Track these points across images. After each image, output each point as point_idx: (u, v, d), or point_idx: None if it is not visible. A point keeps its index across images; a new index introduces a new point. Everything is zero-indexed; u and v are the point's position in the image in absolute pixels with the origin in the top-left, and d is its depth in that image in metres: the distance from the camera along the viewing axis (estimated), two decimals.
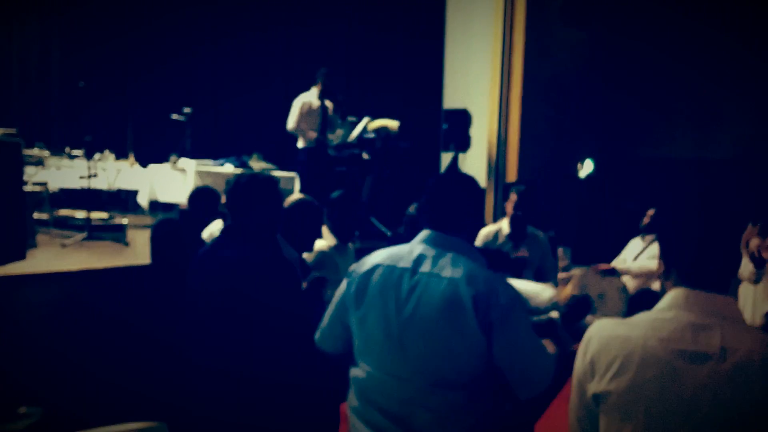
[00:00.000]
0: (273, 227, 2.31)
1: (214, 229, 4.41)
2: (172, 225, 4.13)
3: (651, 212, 5.46)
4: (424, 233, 1.92)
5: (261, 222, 2.27)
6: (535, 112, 7.64)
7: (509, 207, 3.90)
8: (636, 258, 5.36)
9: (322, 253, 3.07)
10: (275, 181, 2.33)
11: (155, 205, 7.18)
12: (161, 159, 7.34)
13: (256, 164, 7.17)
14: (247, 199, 2.27)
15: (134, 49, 9.97)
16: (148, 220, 6.76)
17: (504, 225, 3.93)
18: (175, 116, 7.31)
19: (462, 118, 7.09)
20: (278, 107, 9.06)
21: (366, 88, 7.51)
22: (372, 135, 6.50)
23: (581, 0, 7.57)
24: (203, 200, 4.35)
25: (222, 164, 7.18)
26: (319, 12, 8.78)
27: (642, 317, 1.49)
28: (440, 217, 1.89)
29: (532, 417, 2.35)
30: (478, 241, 3.87)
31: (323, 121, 6.39)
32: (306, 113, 6.36)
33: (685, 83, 9.00)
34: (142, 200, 7.16)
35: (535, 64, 7.51)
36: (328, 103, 6.48)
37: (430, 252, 1.85)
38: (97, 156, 6.30)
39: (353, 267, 2.00)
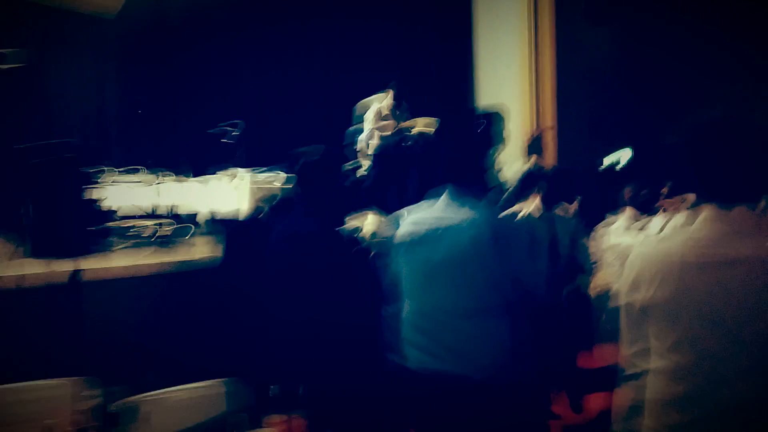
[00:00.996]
0: (335, 198, 2.63)
1: None
2: (247, 228, 4.51)
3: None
4: (447, 190, 2.24)
5: (323, 194, 2.59)
6: (569, 107, 7.85)
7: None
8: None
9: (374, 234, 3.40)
10: (334, 157, 2.66)
11: (212, 219, 7.62)
12: (215, 173, 7.78)
13: None
14: (308, 174, 2.60)
15: (183, 75, 10.53)
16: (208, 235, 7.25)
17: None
18: (225, 127, 7.76)
19: (495, 118, 7.33)
20: (319, 113, 9.53)
21: (401, 91, 7.80)
22: (410, 140, 6.82)
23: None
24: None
25: (274, 171, 7.57)
26: (349, 22, 9.19)
27: (677, 232, 1.69)
28: (459, 174, 2.25)
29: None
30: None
31: (395, 128, 6.77)
32: (380, 120, 6.71)
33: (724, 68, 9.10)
34: (202, 217, 7.60)
35: (564, 60, 7.73)
36: (399, 111, 6.82)
37: (453, 204, 2.19)
38: (157, 174, 6.74)
39: (399, 228, 2.34)
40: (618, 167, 9.23)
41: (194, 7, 10.13)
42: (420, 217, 2.26)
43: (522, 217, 2.42)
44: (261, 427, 1.78)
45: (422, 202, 2.31)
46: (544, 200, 4.05)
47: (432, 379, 2.13)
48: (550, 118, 7.57)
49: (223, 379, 2.44)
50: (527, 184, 3.81)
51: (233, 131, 7.62)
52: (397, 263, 2.29)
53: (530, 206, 3.86)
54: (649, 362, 1.70)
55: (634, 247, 1.77)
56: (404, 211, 2.39)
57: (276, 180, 7.36)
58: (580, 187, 4.28)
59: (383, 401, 2.38)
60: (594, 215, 4.41)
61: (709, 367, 1.56)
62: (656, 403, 1.66)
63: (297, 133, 9.27)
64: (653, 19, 9.28)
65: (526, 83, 7.61)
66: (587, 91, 8.31)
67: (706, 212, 1.64)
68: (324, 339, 2.44)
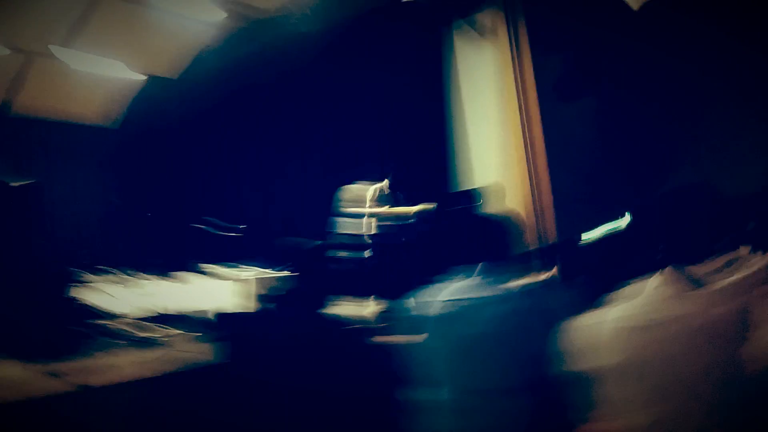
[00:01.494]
0: (322, 286, 2.67)
1: None
2: (253, 320, 4.53)
3: None
4: (479, 267, 2.32)
5: (310, 282, 2.64)
6: (564, 177, 7.98)
7: None
8: None
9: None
10: (316, 247, 2.72)
11: (220, 317, 7.64)
12: (215, 272, 7.85)
13: None
14: (296, 263, 2.66)
15: (185, 178, 10.78)
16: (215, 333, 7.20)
17: None
18: (231, 233, 7.88)
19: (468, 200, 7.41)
20: (324, 206, 9.68)
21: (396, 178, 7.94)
22: (412, 219, 6.92)
23: (585, 70, 8.04)
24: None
25: (279, 270, 7.64)
26: (341, 107, 9.49)
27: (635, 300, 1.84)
28: (487, 248, 2.31)
29: None
30: None
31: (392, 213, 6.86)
32: (376, 201, 6.82)
33: (708, 120, 9.35)
34: (210, 314, 7.61)
35: (553, 134, 7.92)
36: (399, 193, 6.96)
37: (486, 280, 2.29)
38: (162, 277, 6.80)
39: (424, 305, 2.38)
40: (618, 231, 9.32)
41: (193, 113, 10.48)
42: (454, 293, 2.27)
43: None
44: None
45: (449, 280, 2.33)
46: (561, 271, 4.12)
47: None
48: (546, 193, 7.69)
49: None
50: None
51: (240, 230, 7.74)
52: (431, 343, 2.28)
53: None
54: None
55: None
56: (426, 292, 2.40)
57: (276, 273, 7.41)
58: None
59: None
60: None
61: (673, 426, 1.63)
62: None
63: (297, 227, 9.46)
64: (632, 86, 9.60)
65: (522, 161, 7.78)
66: (577, 162, 8.48)
67: (662, 276, 1.76)
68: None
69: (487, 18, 7.97)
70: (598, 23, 8.01)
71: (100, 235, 9.87)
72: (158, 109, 10.91)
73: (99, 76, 8.75)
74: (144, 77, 9.13)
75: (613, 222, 9.01)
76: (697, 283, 1.72)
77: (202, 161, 10.94)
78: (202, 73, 9.45)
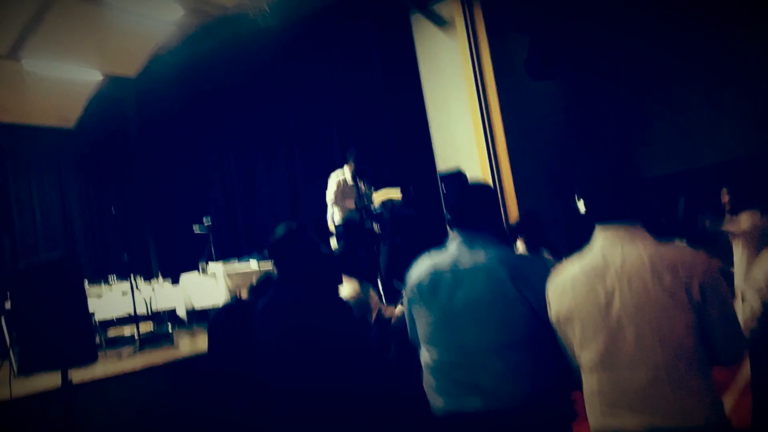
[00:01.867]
0: (311, 267, 2.73)
1: None
2: (230, 311, 4.58)
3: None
4: (456, 236, 2.36)
5: (298, 265, 2.70)
6: (523, 161, 8.16)
7: None
8: None
9: (358, 299, 3.53)
10: (302, 228, 2.78)
11: (191, 313, 7.66)
12: (189, 269, 7.86)
13: None
14: (281, 248, 2.73)
15: (144, 175, 10.69)
16: (189, 329, 7.29)
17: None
18: (196, 227, 7.86)
19: (458, 179, 7.60)
20: (287, 199, 9.71)
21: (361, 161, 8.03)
22: (378, 208, 7.02)
23: (543, 52, 8.22)
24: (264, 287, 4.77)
25: (247, 260, 7.69)
26: (305, 103, 9.53)
27: (577, 255, 2.07)
28: (467, 218, 2.36)
29: None
30: None
31: (358, 195, 6.87)
32: (342, 189, 6.87)
33: (660, 105, 9.73)
34: (181, 312, 7.63)
35: (512, 117, 8.10)
36: (360, 180, 6.96)
37: (464, 249, 2.31)
38: (132, 279, 6.78)
39: (409, 279, 2.46)
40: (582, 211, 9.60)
41: (153, 112, 10.40)
42: (433, 264, 2.36)
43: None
44: None
45: (429, 251, 2.41)
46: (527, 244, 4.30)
47: (463, 421, 2.20)
48: (507, 177, 7.86)
49: None
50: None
51: (204, 225, 7.72)
52: (417, 312, 2.38)
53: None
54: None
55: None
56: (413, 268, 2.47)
57: (250, 266, 7.46)
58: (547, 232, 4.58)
59: None
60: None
61: (607, 362, 1.91)
62: (589, 400, 1.99)
63: (267, 219, 9.49)
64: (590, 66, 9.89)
65: (482, 144, 7.93)
66: (536, 144, 8.71)
67: (595, 233, 2.03)
68: (339, 405, 2.49)
69: (443, 7, 8.11)
70: (554, 7, 8.23)
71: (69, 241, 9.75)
72: (117, 109, 10.81)
73: (54, 77, 8.62)
74: (101, 77, 9.03)
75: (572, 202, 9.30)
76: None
77: (164, 160, 10.89)
78: (162, 72, 9.39)
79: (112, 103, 10.34)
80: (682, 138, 9.21)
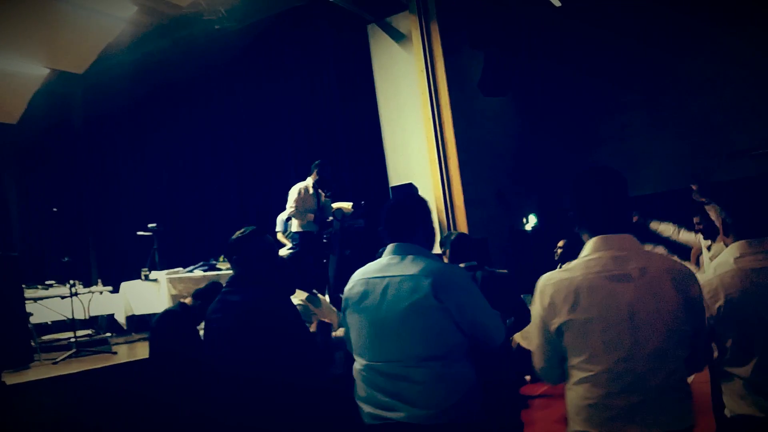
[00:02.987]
0: (268, 271, 2.71)
1: None
2: (174, 315, 4.47)
3: (561, 243, 6.05)
4: (389, 247, 2.38)
5: (255, 269, 2.67)
6: (474, 177, 8.26)
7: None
8: None
9: (301, 306, 3.49)
10: (260, 232, 2.76)
11: (131, 320, 7.45)
12: (130, 276, 7.64)
13: (225, 265, 7.54)
14: (239, 251, 2.70)
15: (88, 176, 10.39)
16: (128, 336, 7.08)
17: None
18: (140, 233, 7.66)
19: (408, 191, 7.65)
20: (236, 207, 9.57)
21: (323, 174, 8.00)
22: (330, 218, 6.99)
23: (496, 71, 8.36)
24: (210, 294, 4.66)
25: (191, 271, 7.53)
26: (259, 110, 9.44)
27: (575, 263, 1.99)
28: (398, 230, 2.38)
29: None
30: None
31: (318, 206, 6.85)
32: (303, 199, 6.81)
33: (607, 129, 10.02)
34: (120, 318, 7.40)
35: (466, 134, 8.19)
36: (321, 191, 6.93)
37: (395, 259, 2.32)
38: (70, 283, 6.54)
39: (345, 290, 2.46)
40: (528, 228, 9.81)
41: (100, 110, 10.14)
42: (365, 273, 2.39)
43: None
44: None
45: (368, 263, 2.43)
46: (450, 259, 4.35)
47: (385, 430, 2.21)
48: (458, 192, 7.93)
49: None
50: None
51: (150, 230, 7.52)
52: (350, 321, 2.40)
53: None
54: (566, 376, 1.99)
55: (539, 281, 2.05)
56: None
57: (195, 275, 7.30)
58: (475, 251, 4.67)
59: None
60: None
61: (622, 368, 1.87)
62: (579, 408, 1.93)
63: (215, 227, 9.32)
64: (544, 84, 10.11)
65: (434, 159, 7.99)
66: (490, 159, 8.84)
67: (594, 242, 1.98)
68: (277, 407, 2.46)
69: (401, 21, 8.17)
70: (508, 26, 8.38)
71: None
72: (62, 106, 10.49)
73: None
74: (46, 72, 8.73)
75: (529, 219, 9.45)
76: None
77: (109, 161, 10.60)
78: (111, 70, 9.16)
79: (58, 100, 10.02)
80: (627, 165, 9.47)
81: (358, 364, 2.34)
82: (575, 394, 1.95)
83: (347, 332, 2.45)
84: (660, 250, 4.90)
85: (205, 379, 2.72)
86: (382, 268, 2.33)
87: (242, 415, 2.54)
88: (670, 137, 9.51)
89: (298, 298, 3.61)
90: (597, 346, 1.89)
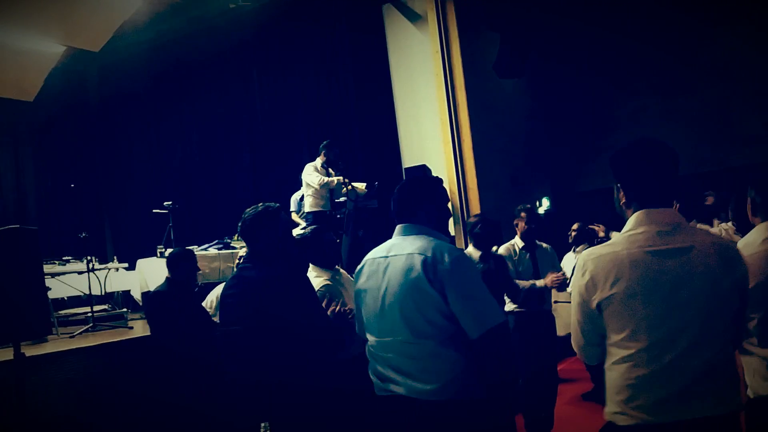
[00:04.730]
0: (283, 248, 2.74)
1: (219, 292, 4.87)
2: (162, 295, 4.58)
3: (576, 226, 6.03)
4: (397, 228, 2.41)
5: (270, 245, 2.70)
6: (488, 160, 8.24)
7: (520, 224, 4.63)
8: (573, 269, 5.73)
9: (326, 286, 3.50)
10: (277, 209, 2.78)
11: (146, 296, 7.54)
12: (146, 253, 7.72)
13: (239, 244, 7.60)
14: (255, 228, 2.72)
15: (104, 153, 10.45)
16: (143, 312, 7.14)
17: (517, 240, 4.65)
18: (156, 210, 7.73)
19: (421, 173, 7.65)
20: (249, 187, 9.60)
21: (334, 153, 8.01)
22: (343, 198, 7.03)
23: (512, 53, 8.31)
24: (181, 262, 4.77)
25: (206, 249, 7.60)
26: (273, 90, 9.44)
27: (619, 238, 1.95)
28: (405, 211, 2.40)
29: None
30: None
31: (329, 187, 6.93)
32: (312, 179, 6.86)
33: (622, 114, 9.95)
34: (135, 294, 7.50)
35: (480, 116, 8.16)
36: (332, 171, 6.99)
37: (400, 240, 2.37)
38: (87, 259, 6.62)
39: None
40: (541, 212, 9.79)
41: (116, 88, 10.18)
42: (372, 254, 2.43)
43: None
44: None
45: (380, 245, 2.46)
46: (477, 245, 4.39)
47: (392, 404, 2.27)
48: (471, 175, 7.91)
49: None
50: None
51: (166, 208, 7.58)
52: (360, 299, 2.44)
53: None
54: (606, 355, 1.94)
55: (581, 255, 2.01)
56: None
57: (209, 253, 7.37)
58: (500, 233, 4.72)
59: (360, 426, 2.46)
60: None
61: (663, 348, 1.81)
62: (620, 388, 1.87)
63: (230, 207, 9.36)
64: (558, 67, 10.04)
65: (448, 141, 7.97)
66: (504, 142, 8.81)
67: (638, 216, 1.93)
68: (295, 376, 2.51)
69: (416, 1, 8.12)
70: (525, 7, 8.32)
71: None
72: (78, 84, 10.54)
73: (15, 47, 8.34)
74: (63, 49, 8.76)
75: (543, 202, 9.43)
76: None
77: (125, 139, 10.65)
78: (127, 48, 9.18)
79: (74, 77, 10.08)
80: None
81: (369, 340, 2.40)
82: (616, 374, 1.89)
83: (358, 311, 2.49)
84: (724, 226, 4.83)
85: (217, 354, 2.77)
86: (388, 248, 2.38)
87: (255, 390, 2.58)
88: (684, 123, 9.42)
89: (322, 278, 3.61)
90: (638, 323, 1.84)
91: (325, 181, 6.87)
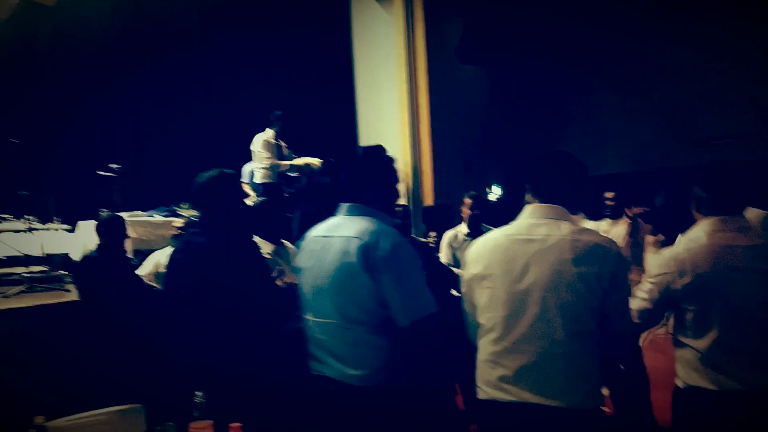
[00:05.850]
0: (236, 215, 2.68)
1: (159, 258, 4.77)
2: (90, 260, 4.47)
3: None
4: (341, 207, 2.37)
5: (224, 211, 2.64)
6: (444, 145, 8.26)
7: (465, 210, 4.62)
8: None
9: (270, 258, 3.46)
10: (233, 175, 2.72)
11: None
12: (89, 216, 7.49)
13: (186, 212, 7.45)
14: (209, 192, 2.65)
15: (52, 110, 10.10)
16: None
17: (462, 227, 4.64)
18: (102, 172, 7.50)
19: (376, 153, 7.62)
20: (202, 156, 9.41)
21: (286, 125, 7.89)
22: (296, 173, 6.95)
23: (475, 38, 8.33)
24: (108, 227, 4.67)
25: (152, 215, 7.44)
26: (233, 61, 9.26)
27: (506, 226, 2.16)
28: (352, 190, 2.36)
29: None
30: (444, 243, 4.57)
31: (280, 158, 6.82)
32: (267, 149, 6.73)
33: (578, 108, 10.07)
34: (76, 257, 7.28)
35: (439, 100, 8.16)
36: (283, 143, 6.87)
37: (343, 220, 2.32)
38: (26, 218, 6.39)
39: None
40: (492, 199, 9.88)
41: (68, 42, 9.83)
42: (314, 233, 2.39)
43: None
44: None
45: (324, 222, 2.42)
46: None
47: (324, 385, 2.26)
48: (427, 158, 7.91)
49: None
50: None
51: (112, 171, 7.37)
52: (298, 278, 2.42)
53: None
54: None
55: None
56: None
57: (156, 218, 7.22)
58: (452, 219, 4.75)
59: (290, 407, 2.43)
60: None
61: (510, 329, 2.00)
62: (478, 363, 2.08)
63: (180, 174, 9.16)
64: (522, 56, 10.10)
65: (405, 123, 7.94)
66: (461, 128, 8.84)
67: (528, 209, 2.14)
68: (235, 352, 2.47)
69: None
70: None
71: None
72: (30, 37, 10.14)
73: None
74: (15, 2, 8.43)
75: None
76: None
77: (74, 96, 10.29)
78: (83, 2, 8.86)
79: (27, 31, 9.69)
80: (594, 145, 9.56)
81: (306, 318, 2.38)
82: (479, 350, 2.10)
83: (299, 289, 2.45)
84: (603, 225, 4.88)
85: (153, 321, 2.71)
86: (328, 227, 2.34)
87: (197, 355, 2.54)
88: (638, 121, 9.61)
89: (265, 249, 3.57)
90: (490, 303, 2.06)
91: (274, 163, 6.74)
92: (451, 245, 4.83)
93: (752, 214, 2.73)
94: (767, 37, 8.28)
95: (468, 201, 4.74)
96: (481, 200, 4.90)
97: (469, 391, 2.21)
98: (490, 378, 2.02)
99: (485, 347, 2.05)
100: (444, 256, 4.97)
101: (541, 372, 1.94)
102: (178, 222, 5.60)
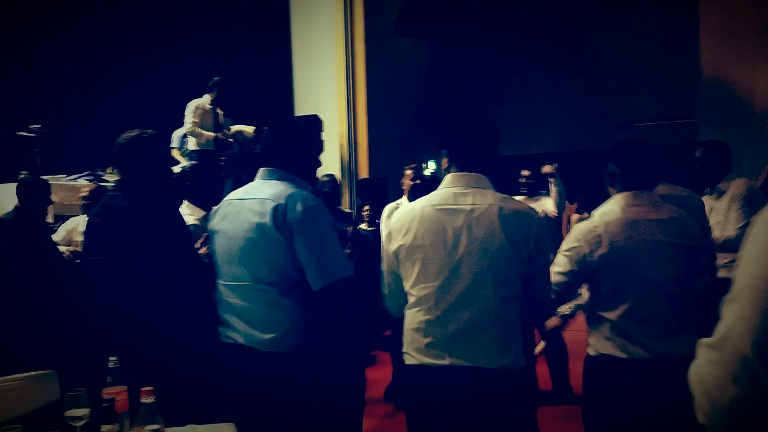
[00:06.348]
0: (157, 178, 2.57)
1: (75, 224, 4.59)
2: (6, 223, 4.23)
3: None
4: (259, 171, 2.31)
5: (143, 173, 2.53)
6: (380, 118, 8.24)
7: (406, 182, 4.57)
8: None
9: (193, 225, 3.35)
10: (155, 136, 2.61)
11: None
12: (7, 178, 7.15)
13: (111, 177, 7.20)
14: (128, 152, 2.53)
15: None
16: None
17: (404, 199, 4.59)
18: (22, 133, 7.16)
19: (313, 123, 7.53)
20: (131, 121, 9.08)
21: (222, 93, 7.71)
22: (229, 139, 6.80)
23: (415, 11, 8.29)
24: (31, 190, 4.42)
25: (75, 180, 7.15)
26: (167, 25, 8.95)
27: (427, 196, 2.13)
28: (270, 154, 2.30)
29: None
30: (384, 216, 4.53)
31: (216, 125, 6.62)
32: (200, 117, 6.53)
33: (513, 87, 10.19)
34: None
35: (377, 73, 8.11)
36: (220, 110, 6.68)
37: (260, 183, 2.28)
38: None
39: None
40: (427, 174, 9.94)
41: None
42: (230, 196, 2.35)
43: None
44: (101, 399, 1.71)
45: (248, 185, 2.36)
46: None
47: (234, 352, 2.21)
48: (363, 131, 7.88)
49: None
50: None
51: (33, 131, 7.04)
52: (212, 241, 2.37)
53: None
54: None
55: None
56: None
57: (77, 183, 6.95)
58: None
59: (201, 374, 2.37)
60: None
61: (441, 296, 2.01)
62: (407, 331, 2.08)
63: (103, 144, 8.82)
64: (461, 31, 10.11)
65: (342, 95, 7.87)
66: (397, 101, 8.82)
67: (448, 178, 2.12)
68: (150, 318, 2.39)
69: None
70: None
71: None
72: None
73: None
74: None
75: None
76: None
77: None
78: None
79: None
80: (527, 123, 9.72)
81: (218, 283, 2.32)
82: (408, 318, 2.09)
83: (213, 254, 2.39)
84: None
85: (69, 287, 2.60)
86: (246, 191, 2.30)
87: (112, 324, 2.45)
88: (570, 101, 9.82)
89: (194, 216, 3.46)
90: (421, 272, 2.05)
91: (196, 131, 6.57)
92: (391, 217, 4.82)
93: (664, 190, 2.82)
94: (691, 25, 8.54)
95: (409, 173, 4.70)
96: (420, 171, 4.87)
97: (397, 357, 2.21)
98: (420, 345, 2.02)
99: (415, 316, 2.05)
100: (385, 228, 4.96)
101: (474, 337, 1.97)
102: (88, 186, 5.33)
